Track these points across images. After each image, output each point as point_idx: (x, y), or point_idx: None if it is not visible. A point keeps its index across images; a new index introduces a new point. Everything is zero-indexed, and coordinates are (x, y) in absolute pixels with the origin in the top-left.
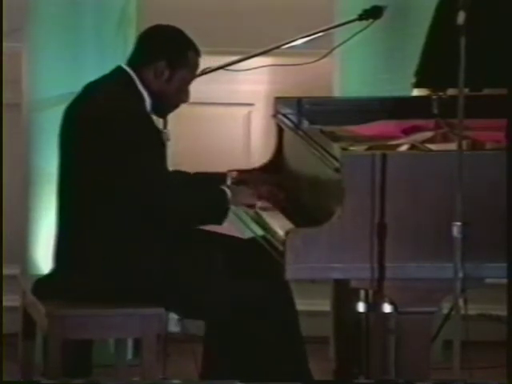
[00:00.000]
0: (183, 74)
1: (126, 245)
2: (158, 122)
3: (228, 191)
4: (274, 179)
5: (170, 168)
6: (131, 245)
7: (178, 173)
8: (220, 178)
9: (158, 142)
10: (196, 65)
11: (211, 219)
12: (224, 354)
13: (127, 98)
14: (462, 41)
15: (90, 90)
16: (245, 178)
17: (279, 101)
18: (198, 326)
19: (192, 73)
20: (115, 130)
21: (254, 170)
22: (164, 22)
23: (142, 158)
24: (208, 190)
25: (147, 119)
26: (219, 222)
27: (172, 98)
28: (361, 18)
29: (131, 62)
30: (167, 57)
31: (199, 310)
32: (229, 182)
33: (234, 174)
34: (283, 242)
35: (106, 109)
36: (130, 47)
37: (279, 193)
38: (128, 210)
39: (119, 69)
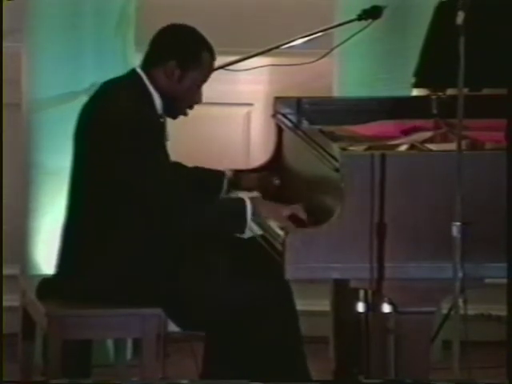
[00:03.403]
0: (195, 75)
1: (128, 248)
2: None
3: (248, 202)
4: (263, 176)
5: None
6: (133, 248)
7: (177, 166)
8: (217, 175)
9: (160, 144)
10: (209, 66)
11: (228, 229)
12: (224, 353)
13: (134, 100)
14: (462, 41)
15: (102, 91)
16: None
17: (279, 101)
18: None
19: (204, 74)
20: (118, 133)
21: (253, 170)
22: (163, 23)
23: (145, 161)
24: (228, 200)
25: (151, 121)
26: (238, 231)
27: (183, 98)
28: (360, 18)
29: (144, 64)
30: (178, 56)
31: (199, 310)
32: (225, 182)
33: (230, 173)
34: (283, 242)
35: (111, 111)
36: (129, 47)
37: (302, 213)
38: (132, 214)
39: (132, 71)
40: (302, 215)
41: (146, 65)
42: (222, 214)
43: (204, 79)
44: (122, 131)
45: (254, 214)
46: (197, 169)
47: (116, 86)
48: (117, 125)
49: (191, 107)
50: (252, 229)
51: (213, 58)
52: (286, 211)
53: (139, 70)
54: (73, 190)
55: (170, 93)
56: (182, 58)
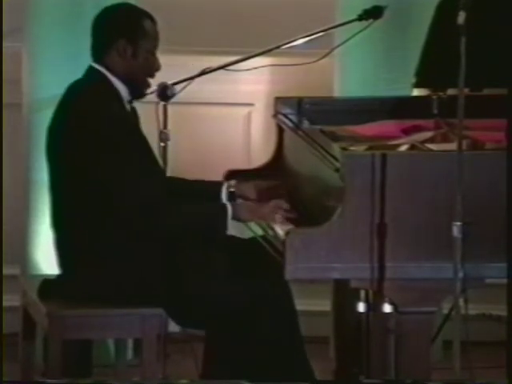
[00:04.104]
0: (145, 45)
1: (125, 249)
2: (153, 121)
3: (229, 207)
4: (273, 186)
5: (169, 172)
6: (129, 248)
7: (173, 180)
8: (217, 187)
9: (136, 142)
10: (155, 32)
11: (208, 232)
12: (224, 353)
13: (99, 99)
14: (462, 41)
15: (67, 96)
16: (244, 189)
17: (279, 101)
18: None
19: (154, 40)
20: (91, 137)
21: (253, 170)
22: (164, 23)
23: (118, 162)
24: (208, 204)
25: (121, 121)
26: (218, 235)
27: (143, 71)
28: (361, 18)
29: (96, 56)
30: (124, 33)
31: (199, 310)
32: (224, 192)
33: (232, 182)
34: (283, 242)
35: (80, 114)
36: None
37: (285, 206)
38: (121, 214)
39: (90, 68)
40: (281, 210)
41: (99, 55)
42: (200, 216)
43: (155, 46)
44: (92, 132)
45: (233, 217)
46: (195, 182)
47: (81, 89)
48: (88, 126)
49: (152, 76)
50: (251, 229)
51: (154, 23)
52: (267, 209)
53: (95, 65)
54: (58, 193)
55: (129, 72)
56: (129, 33)
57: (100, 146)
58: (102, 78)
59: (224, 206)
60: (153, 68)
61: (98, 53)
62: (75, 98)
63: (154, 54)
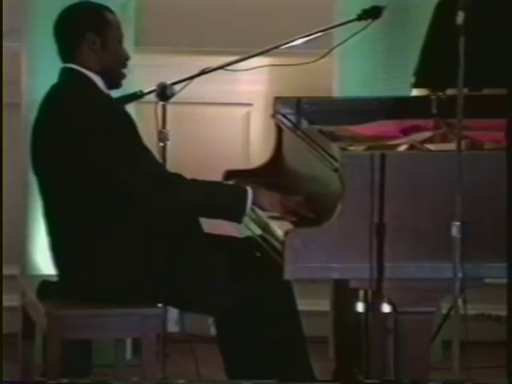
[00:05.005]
0: (112, 34)
1: (123, 248)
2: (152, 120)
3: (250, 191)
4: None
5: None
6: (128, 248)
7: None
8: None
9: (129, 129)
10: (117, 22)
11: (222, 214)
12: (224, 353)
13: (84, 100)
14: (461, 41)
15: (49, 101)
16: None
17: (278, 101)
18: (197, 326)
19: (118, 30)
20: (85, 136)
21: (252, 170)
22: (163, 23)
23: (119, 152)
24: (230, 186)
25: (109, 114)
26: (236, 219)
27: (116, 61)
28: (360, 18)
29: (66, 57)
30: (90, 27)
31: (198, 309)
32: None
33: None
34: (282, 242)
35: (70, 118)
36: (128, 47)
37: (305, 207)
38: (123, 208)
39: (64, 70)
40: (303, 211)
41: (70, 55)
42: (221, 197)
43: (120, 35)
44: (89, 131)
45: (254, 203)
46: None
47: (62, 91)
48: (78, 125)
49: (125, 66)
50: (250, 228)
51: (114, 14)
52: (287, 203)
53: (68, 65)
54: (52, 197)
55: (103, 64)
56: (95, 25)
57: (100, 140)
58: (79, 75)
59: (245, 189)
60: (124, 57)
61: (68, 53)
62: (59, 101)
63: (121, 43)
